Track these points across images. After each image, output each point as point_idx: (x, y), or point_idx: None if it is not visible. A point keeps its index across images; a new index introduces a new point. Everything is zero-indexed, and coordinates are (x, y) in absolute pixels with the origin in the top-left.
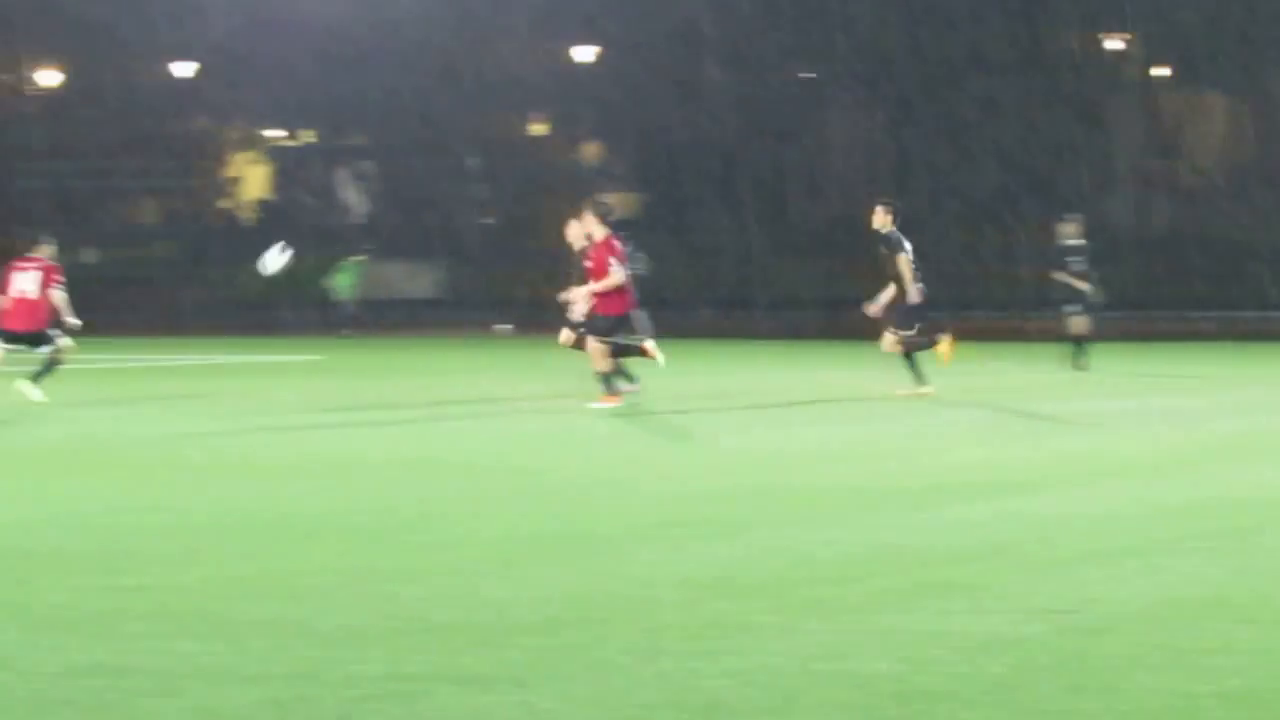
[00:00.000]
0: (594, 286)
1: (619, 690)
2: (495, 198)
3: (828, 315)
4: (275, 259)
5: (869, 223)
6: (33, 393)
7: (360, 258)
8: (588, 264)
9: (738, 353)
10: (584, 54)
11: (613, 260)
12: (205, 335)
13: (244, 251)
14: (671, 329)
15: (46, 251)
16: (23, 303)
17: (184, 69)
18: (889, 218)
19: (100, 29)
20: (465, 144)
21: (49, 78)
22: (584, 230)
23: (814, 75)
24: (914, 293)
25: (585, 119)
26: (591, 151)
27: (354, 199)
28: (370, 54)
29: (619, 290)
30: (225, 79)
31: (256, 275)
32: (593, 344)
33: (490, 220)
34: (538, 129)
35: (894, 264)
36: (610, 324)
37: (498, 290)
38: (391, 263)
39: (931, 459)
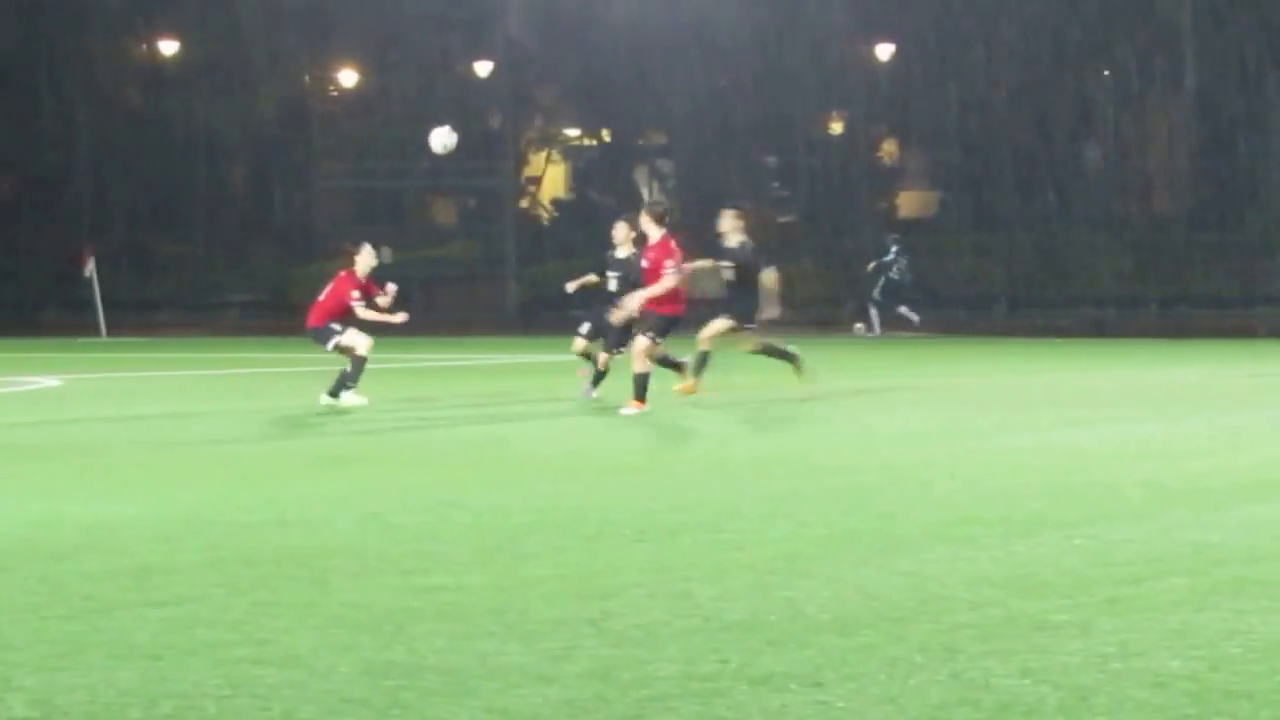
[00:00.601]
0: (649, 291)
1: (914, 689)
2: (793, 196)
3: (1123, 311)
4: (444, 138)
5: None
6: (352, 400)
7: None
8: (644, 265)
9: (1034, 350)
10: (884, 51)
11: (669, 263)
12: (501, 334)
13: (542, 251)
14: (968, 327)
15: (359, 262)
16: (313, 303)
17: (483, 68)
18: (740, 224)
19: (400, 29)
20: (763, 142)
21: (349, 78)
22: (635, 232)
23: (1108, 71)
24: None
25: (884, 117)
26: (890, 150)
27: (651, 198)
28: (667, 51)
29: (673, 292)
30: (523, 77)
31: (556, 275)
32: (640, 342)
33: (788, 218)
34: (836, 127)
35: (747, 272)
36: (665, 324)
37: (795, 288)
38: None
39: (1229, 457)
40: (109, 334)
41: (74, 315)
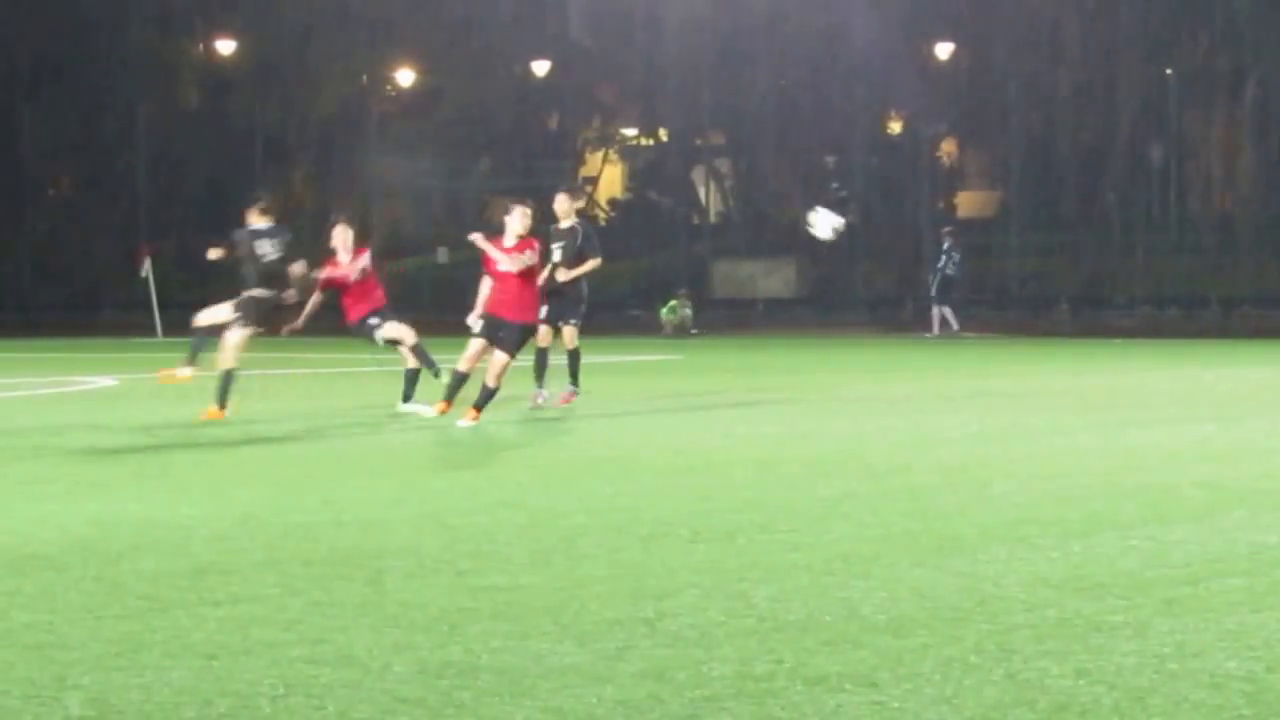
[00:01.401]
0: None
1: (969, 690)
2: (852, 196)
3: (1185, 312)
4: (827, 221)
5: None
6: (413, 408)
7: (676, 301)
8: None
9: (1094, 351)
10: (942, 51)
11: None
12: None
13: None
14: (1029, 327)
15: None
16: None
17: (540, 67)
18: (269, 213)
19: (456, 28)
20: (821, 142)
21: (407, 78)
22: (578, 204)
23: (1170, 71)
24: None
25: (943, 116)
26: (949, 149)
27: (709, 197)
28: (726, 52)
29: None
30: (581, 77)
31: (612, 275)
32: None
33: (847, 218)
34: (895, 126)
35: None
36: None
37: (854, 289)
38: (747, 261)
39: None
40: (165, 334)
41: (130, 315)
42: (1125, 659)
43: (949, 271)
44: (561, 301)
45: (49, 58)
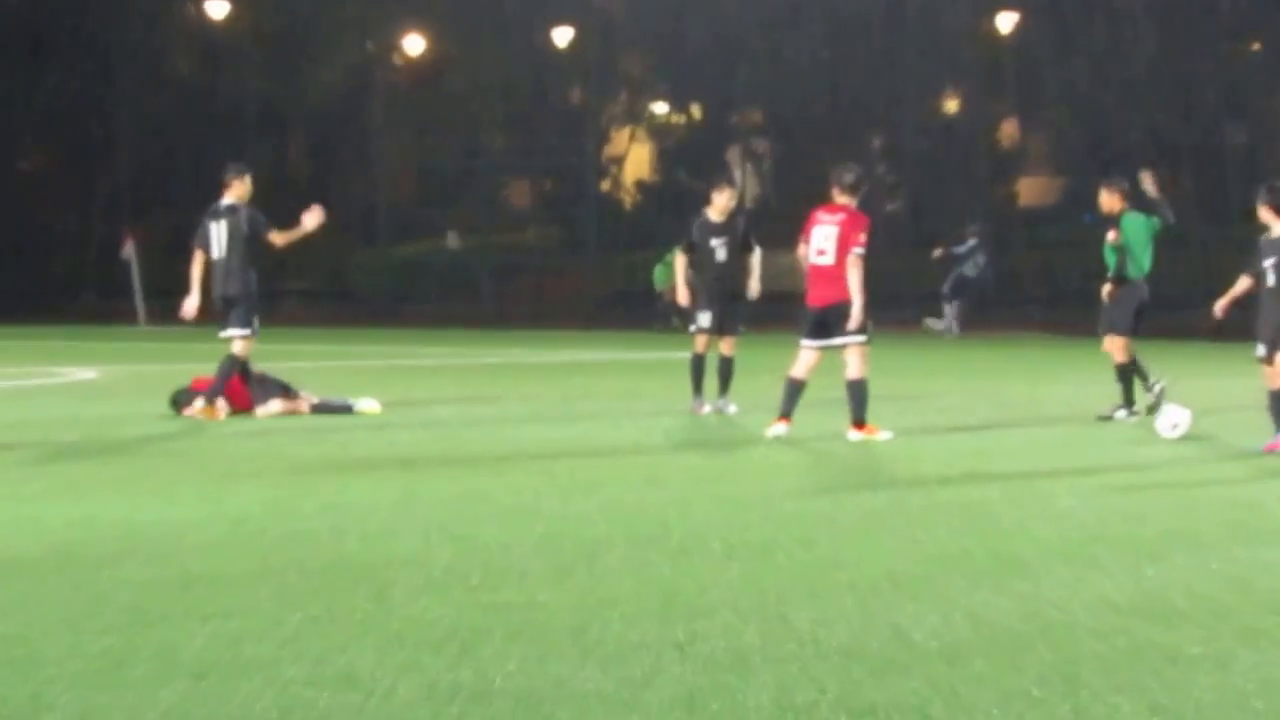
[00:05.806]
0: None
1: None
2: (902, 181)
3: None
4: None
5: None
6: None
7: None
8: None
9: (1165, 352)
10: (1006, 22)
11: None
12: (579, 328)
13: (624, 238)
14: (1084, 327)
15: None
16: None
17: (562, 35)
18: None
19: None
20: (869, 121)
21: (415, 45)
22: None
23: (1259, 47)
24: None
25: (1004, 95)
26: (1010, 131)
27: (745, 181)
28: (766, 21)
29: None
30: (606, 47)
31: (639, 264)
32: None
33: (895, 206)
34: (950, 106)
35: None
36: None
37: (902, 282)
38: (786, 252)
39: None
40: (147, 322)
41: (112, 301)
42: (1204, 694)
43: (969, 273)
44: (730, 308)
45: (22, 22)
